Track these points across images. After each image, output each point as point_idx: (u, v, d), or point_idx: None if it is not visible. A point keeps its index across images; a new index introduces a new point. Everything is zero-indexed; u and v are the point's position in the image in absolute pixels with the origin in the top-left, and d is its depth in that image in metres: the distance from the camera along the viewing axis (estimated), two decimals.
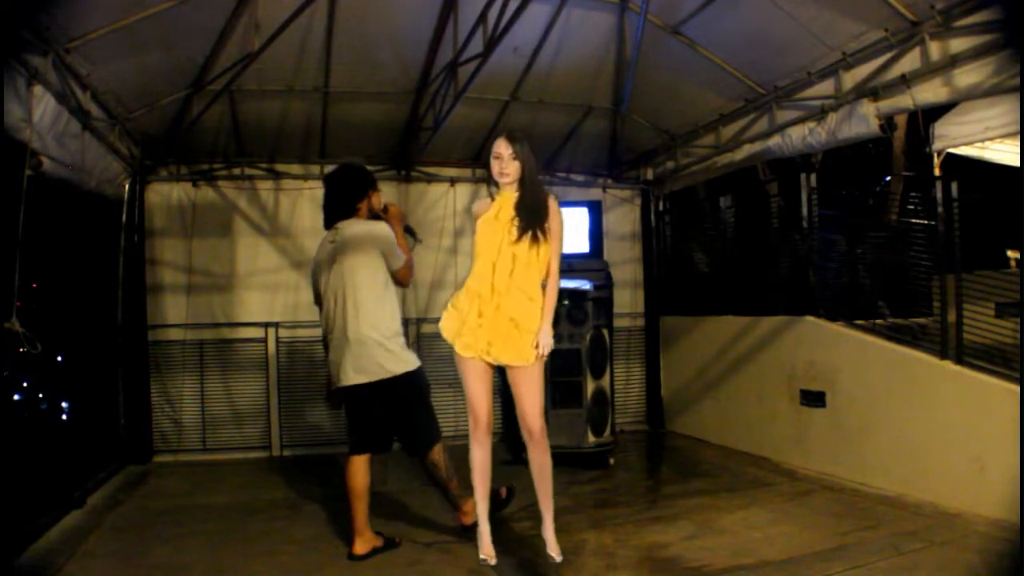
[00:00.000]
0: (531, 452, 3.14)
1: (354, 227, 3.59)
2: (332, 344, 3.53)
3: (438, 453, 3.58)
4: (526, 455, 3.16)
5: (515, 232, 3.08)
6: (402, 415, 3.54)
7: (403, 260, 3.61)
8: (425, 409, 3.63)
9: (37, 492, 4.08)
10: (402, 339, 3.56)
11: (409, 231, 3.90)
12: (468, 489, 3.38)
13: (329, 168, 6.25)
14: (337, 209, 3.66)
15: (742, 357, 5.80)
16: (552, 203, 3.16)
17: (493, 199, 3.21)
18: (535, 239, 3.08)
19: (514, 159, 3.12)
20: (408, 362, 3.51)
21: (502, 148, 3.14)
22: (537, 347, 3.04)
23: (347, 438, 3.71)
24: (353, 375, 3.45)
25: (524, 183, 3.15)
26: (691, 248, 7.03)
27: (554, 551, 3.18)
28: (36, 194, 3.58)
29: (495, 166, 3.15)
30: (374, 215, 3.72)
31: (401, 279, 3.65)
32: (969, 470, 3.85)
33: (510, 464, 5.35)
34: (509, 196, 3.17)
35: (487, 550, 3.18)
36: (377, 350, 3.43)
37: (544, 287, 3.13)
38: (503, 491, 3.71)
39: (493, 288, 3.08)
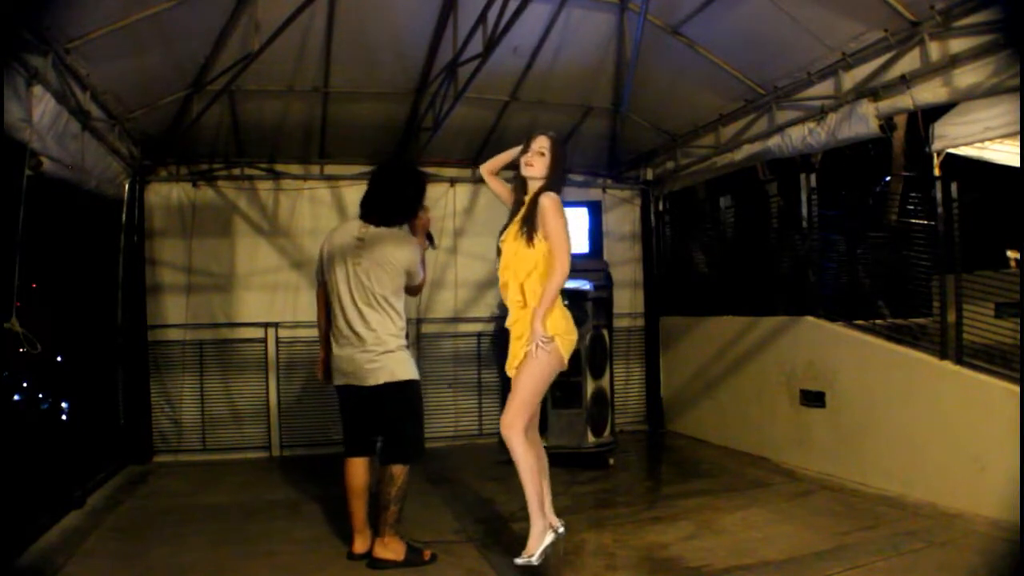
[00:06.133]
0: None
1: (390, 236, 3.49)
2: (334, 339, 3.48)
3: (401, 471, 3.39)
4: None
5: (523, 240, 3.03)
6: (389, 423, 3.45)
7: (422, 277, 3.59)
8: (414, 422, 3.52)
9: (37, 492, 4.07)
10: (405, 348, 3.47)
11: (428, 237, 3.81)
12: (399, 525, 3.40)
13: (329, 168, 6.42)
14: (386, 213, 3.51)
15: (742, 357, 5.80)
16: (544, 200, 3.01)
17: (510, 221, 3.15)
18: (530, 241, 3.00)
19: (542, 155, 3.08)
20: (406, 372, 3.43)
21: (538, 143, 3.10)
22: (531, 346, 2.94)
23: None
24: (347, 376, 3.42)
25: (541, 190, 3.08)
26: (691, 248, 7.03)
27: (526, 552, 2.96)
28: (36, 194, 3.58)
29: (522, 159, 3.10)
30: None
31: (416, 291, 3.64)
32: (969, 470, 3.85)
33: (508, 464, 5.33)
34: (517, 217, 3.12)
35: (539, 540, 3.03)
36: (377, 356, 3.36)
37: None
38: (427, 553, 3.48)
39: (527, 306, 3.04)
